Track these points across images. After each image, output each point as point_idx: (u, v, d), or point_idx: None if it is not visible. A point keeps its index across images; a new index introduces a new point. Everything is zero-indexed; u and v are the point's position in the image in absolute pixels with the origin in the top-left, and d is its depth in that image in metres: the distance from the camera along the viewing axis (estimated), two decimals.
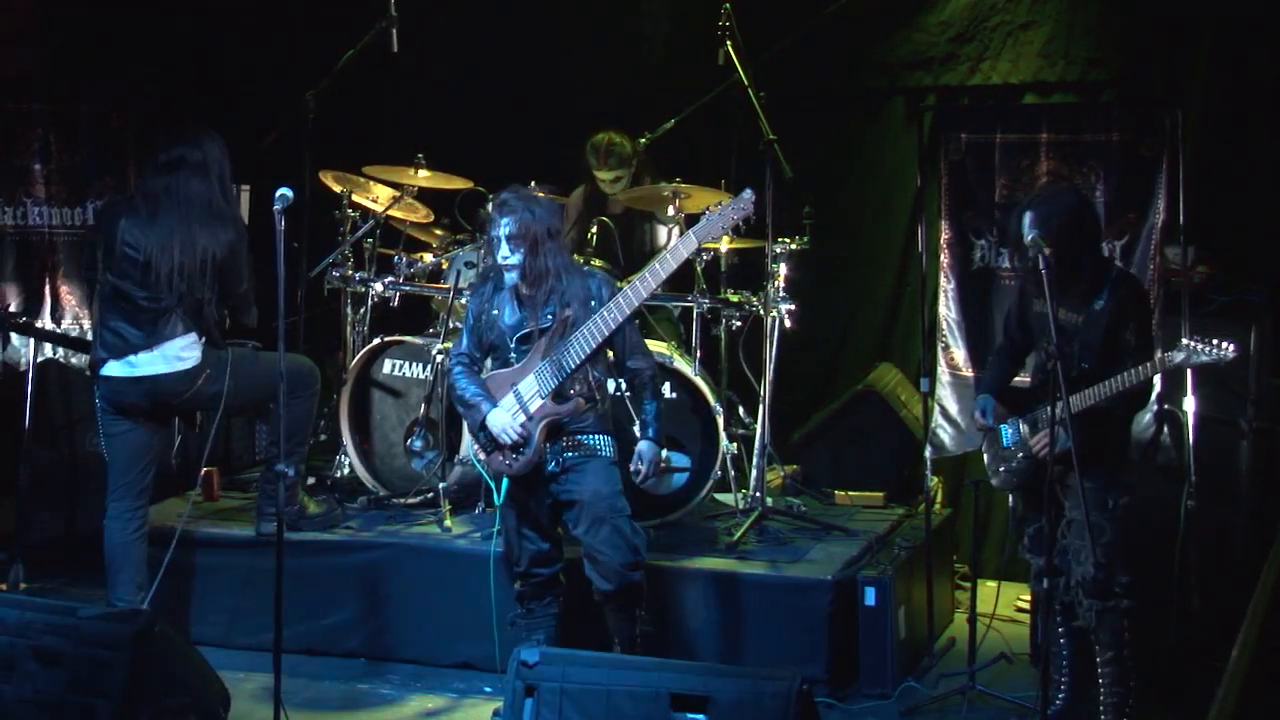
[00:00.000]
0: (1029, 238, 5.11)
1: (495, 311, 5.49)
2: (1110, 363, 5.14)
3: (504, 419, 5.36)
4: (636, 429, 5.56)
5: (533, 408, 5.36)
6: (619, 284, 5.65)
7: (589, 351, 5.33)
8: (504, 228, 5.35)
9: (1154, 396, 5.70)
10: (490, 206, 5.50)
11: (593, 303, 5.40)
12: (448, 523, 6.46)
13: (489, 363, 5.63)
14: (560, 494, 5.41)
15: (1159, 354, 5.16)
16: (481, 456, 5.50)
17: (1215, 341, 4.98)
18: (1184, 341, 5.04)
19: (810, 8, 7.57)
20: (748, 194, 5.37)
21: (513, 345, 5.45)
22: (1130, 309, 5.24)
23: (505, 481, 5.49)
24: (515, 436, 5.34)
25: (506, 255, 5.36)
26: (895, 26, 7.60)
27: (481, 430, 5.44)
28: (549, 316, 5.39)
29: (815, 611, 5.91)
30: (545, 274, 5.37)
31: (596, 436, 5.42)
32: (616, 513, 5.37)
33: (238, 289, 6.00)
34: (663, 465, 5.77)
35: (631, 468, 5.50)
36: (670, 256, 5.38)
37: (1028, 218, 5.18)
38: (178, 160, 5.87)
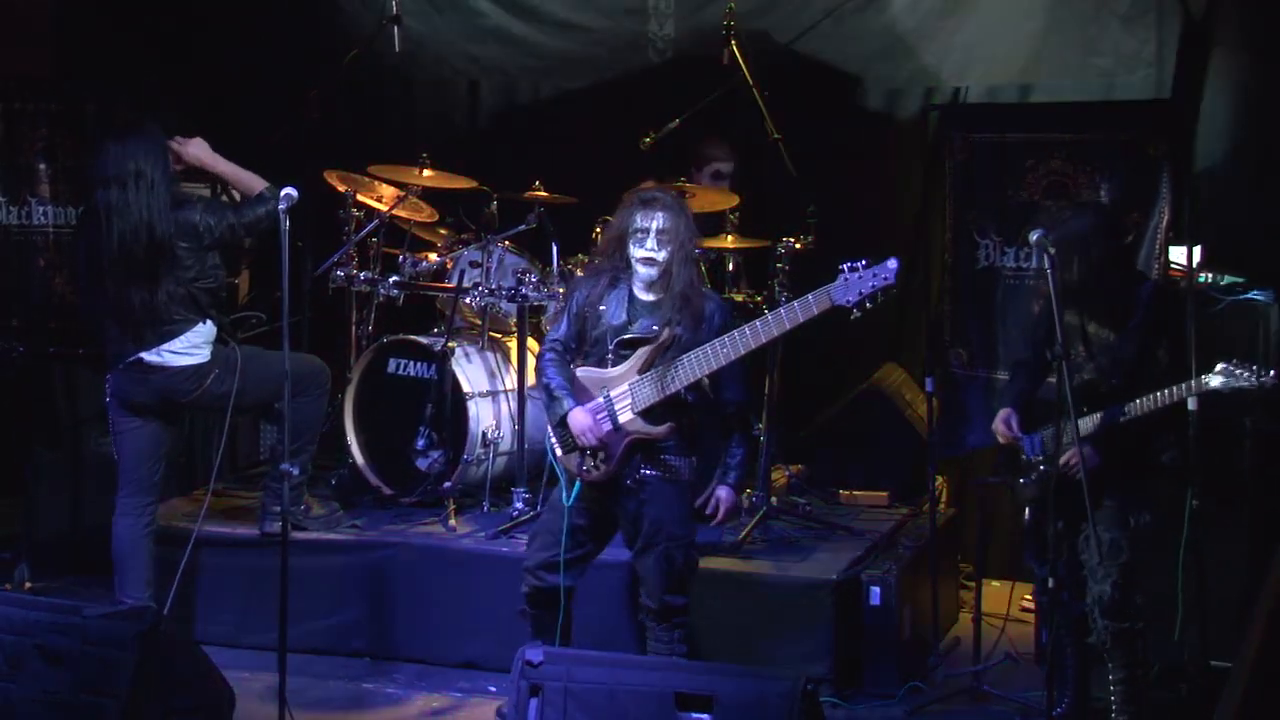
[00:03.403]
0: (1033, 239, 5.07)
1: (603, 308, 5.26)
2: (1141, 380, 5.09)
3: (586, 421, 5.17)
4: (719, 469, 5.40)
5: (623, 419, 5.20)
6: None
7: (697, 378, 5.15)
8: (656, 221, 5.15)
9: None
10: (634, 198, 5.28)
11: (704, 326, 5.22)
12: (452, 522, 6.47)
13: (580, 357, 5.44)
14: (628, 509, 5.26)
15: (1199, 377, 5.05)
16: (559, 453, 5.32)
17: (1254, 367, 4.94)
18: (1220, 365, 4.99)
19: (814, 7, 7.57)
20: (892, 264, 5.01)
21: (612, 347, 5.24)
22: (1164, 327, 5.18)
23: (577, 484, 5.29)
24: (594, 441, 5.18)
25: (653, 249, 5.16)
26: (901, 25, 7.59)
27: (560, 426, 5.26)
28: (654, 328, 5.20)
29: (820, 611, 5.90)
30: (676, 282, 5.20)
31: (677, 457, 5.26)
32: (673, 540, 5.22)
33: (233, 239, 5.98)
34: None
35: (708, 509, 5.36)
36: (799, 308, 5.09)
37: (1052, 235, 5.11)
38: (112, 179, 5.77)
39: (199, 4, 8.24)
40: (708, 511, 5.35)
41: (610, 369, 5.25)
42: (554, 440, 5.33)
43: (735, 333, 5.13)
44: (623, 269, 5.29)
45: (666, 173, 7.18)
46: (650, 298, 5.27)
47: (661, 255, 5.18)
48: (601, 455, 5.21)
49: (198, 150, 6.06)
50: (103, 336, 5.97)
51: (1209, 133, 6.82)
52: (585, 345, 5.36)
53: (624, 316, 5.26)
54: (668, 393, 5.15)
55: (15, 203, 7.38)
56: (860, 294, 5.03)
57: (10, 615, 4.96)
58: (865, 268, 5.03)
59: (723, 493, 5.34)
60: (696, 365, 5.12)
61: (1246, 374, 4.93)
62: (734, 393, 5.34)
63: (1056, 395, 4.95)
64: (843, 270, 5.06)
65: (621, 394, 5.20)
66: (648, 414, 5.19)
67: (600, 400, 5.23)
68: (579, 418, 5.20)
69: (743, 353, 5.15)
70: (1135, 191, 6.21)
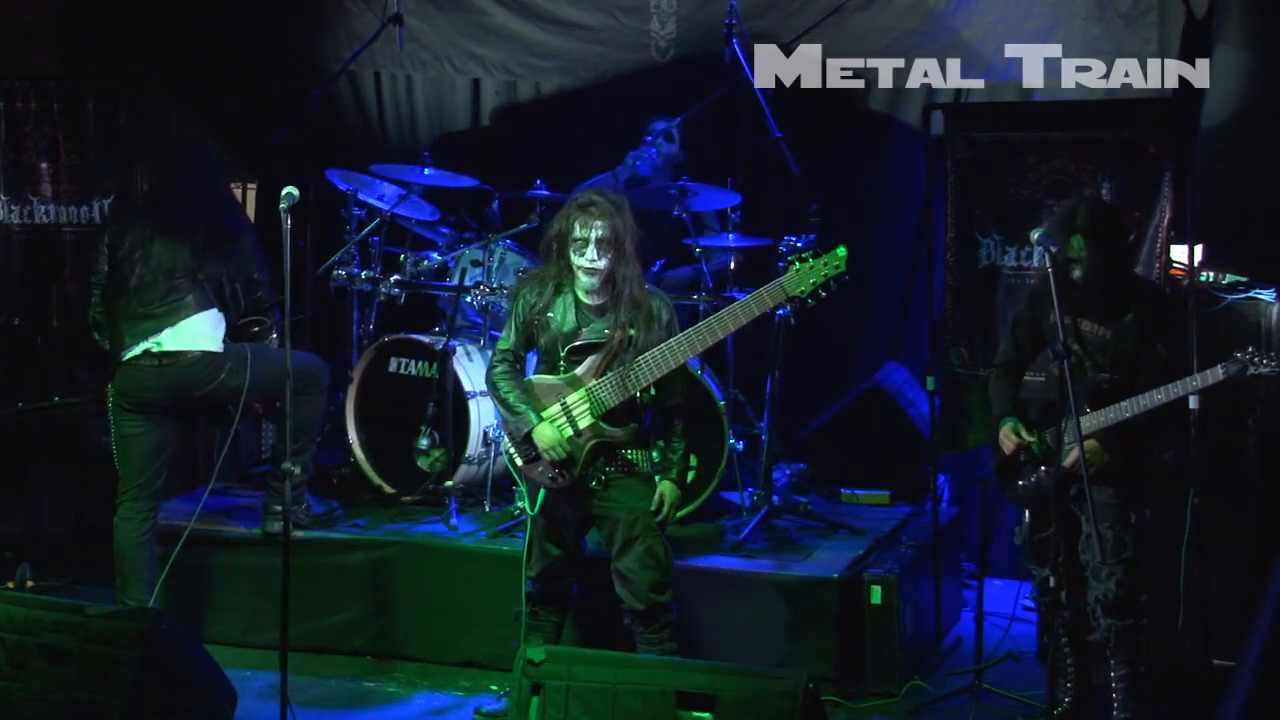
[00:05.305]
0: (1035, 236, 5.06)
1: (551, 314, 5.25)
2: (1139, 377, 5.09)
3: (553, 436, 5.18)
4: (661, 464, 5.37)
5: (582, 424, 5.20)
6: None
7: (657, 378, 5.15)
8: (596, 230, 5.13)
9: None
10: (572, 204, 5.25)
11: (655, 324, 5.22)
12: (454, 521, 6.47)
13: (531, 363, 5.49)
14: (597, 510, 5.29)
15: (1218, 366, 5.02)
16: (519, 463, 5.35)
17: (1273, 354, 4.92)
18: (1236, 354, 4.98)
19: (816, 6, 7.57)
20: (841, 252, 5.06)
21: (563, 354, 5.24)
22: (1162, 323, 5.18)
23: (541, 491, 5.31)
24: (562, 455, 5.19)
25: (594, 259, 5.14)
26: (903, 24, 7.58)
27: (525, 442, 5.26)
28: (606, 331, 5.22)
29: (822, 610, 5.90)
30: (623, 284, 5.21)
31: (637, 452, 5.29)
32: (650, 531, 5.24)
33: (251, 274, 6.09)
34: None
35: (652, 506, 5.30)
36: (754, 303, 5.12)
37: (1052, 230, 5.10)
38: (170, 179, 6.12)
39: (201, 4, 8.24)
40: (651, 509, 5.28)
41: (564, 375, 5.25)
42: (514, 452, 5.33)
43: (693, 330, 5.15)
44: (566, 272, 5.27)
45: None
46: (596, 301, 5.26)
47: (603, 264, 5.18)
48: (566, 465, 5.22)
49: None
50: (112, 335, 5.97)
51: (1211, 131, 6.81)
52: (532, 351, 5.38)
53: (573, 322, 5.25)
54: (630, 394, 5.16)
55: (18, 201, 7.39)
56: (813, 284, 5.08)
57: (13, 614, 4.97)
58: (815, 257, 5.08)
59: (665, 488, 5.30)
60: (658, 364, 5.14)
61: (1265, 360, 4.90)
62: (678, 387, 5.33)
63: (1059, 394, 4.94)
64: (794, 262, 5.11)
65: (579, 399, 5.21)
66: (608, 417, 5.20)
67: (557, 407, 5.23)
68: (545, 433, 5.20)
69: (700, 350, 5.20)
70: (1137, 190, 6.20)
